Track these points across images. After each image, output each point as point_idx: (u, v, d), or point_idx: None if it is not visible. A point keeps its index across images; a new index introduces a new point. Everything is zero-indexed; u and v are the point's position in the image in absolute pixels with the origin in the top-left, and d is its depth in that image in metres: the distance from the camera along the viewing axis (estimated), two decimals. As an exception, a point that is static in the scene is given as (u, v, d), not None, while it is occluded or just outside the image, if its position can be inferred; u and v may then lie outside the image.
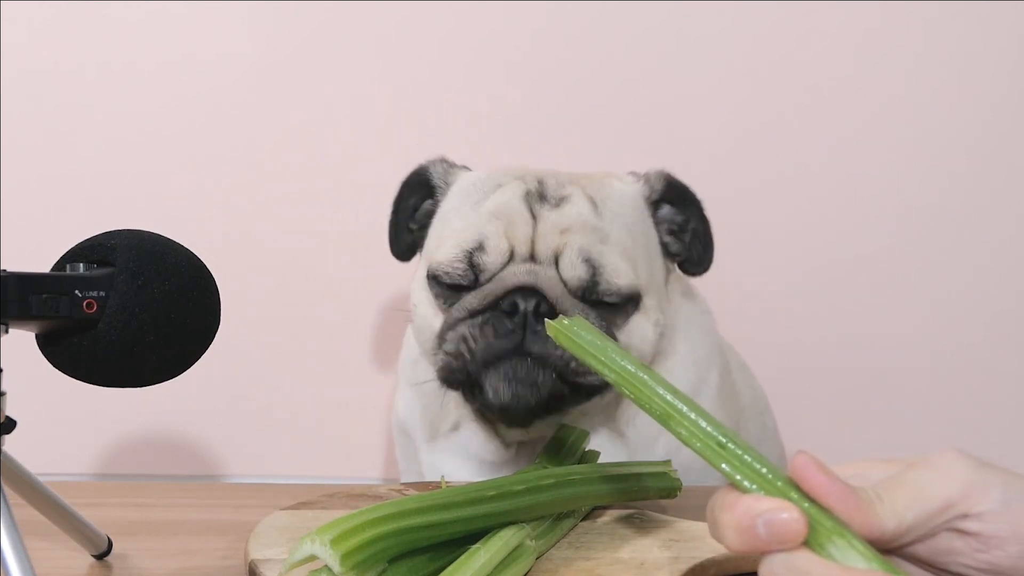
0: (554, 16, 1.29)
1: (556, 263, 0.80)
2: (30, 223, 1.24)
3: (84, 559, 0.68)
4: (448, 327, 0.80)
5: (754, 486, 0.45)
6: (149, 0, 1.26)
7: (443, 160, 0.91)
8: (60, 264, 0.57)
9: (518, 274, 0.79)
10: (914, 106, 1.30)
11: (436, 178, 0.90)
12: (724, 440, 0.46)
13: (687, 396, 0.49)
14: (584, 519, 0.71)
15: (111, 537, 0.68)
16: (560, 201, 0.82)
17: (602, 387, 0.79)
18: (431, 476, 0.91)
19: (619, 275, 0.80)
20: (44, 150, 1.27)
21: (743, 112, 1.30)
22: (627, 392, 0.50)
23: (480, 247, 0.80)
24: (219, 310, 0.60)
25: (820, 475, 0.43)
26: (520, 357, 0.76)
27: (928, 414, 1.32)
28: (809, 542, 0.43)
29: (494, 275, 0.80)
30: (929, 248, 1.32)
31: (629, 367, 0.50)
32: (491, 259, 0.80)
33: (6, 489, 0.54)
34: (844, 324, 1.33)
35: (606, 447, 0.85)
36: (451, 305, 0.81)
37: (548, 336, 0.68)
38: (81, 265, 0.56)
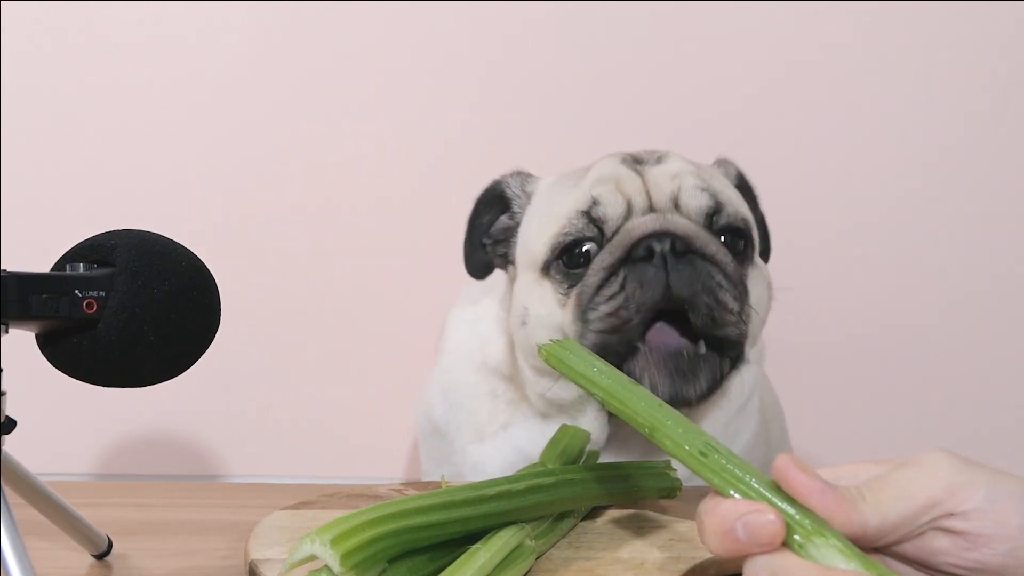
0: (550, 15, 1.29)
1: (676, 207, 0.78)
2: (30, 223, 1.24)
3: (84, 559, 0.68)
4: (587, 301, 0.76)
5: (735, 492, 0.46)
6: (151, 0, 1.26)
7: (518, 172, 0.89)
8: (60, 264, 0.57)
9: (645, 222, 0.77)
10: (915, 105, 1.30)
11: (512, 190, 0.87)
12: (706, 449, 0.48)
13: (671, 408, 0.51)
14: (584, 519, 0.71)
15: (111, 537, 0.68)
16: (659, 159, 0.82)
17: (738, 353, 0.78)
18: (474, 476, 0.90)
19: (738, 204, 0.80)
20: (44, 150, 1.27)
21: (742, 110, 1.30)
22: (614, 408, 0.52)
23: (595, 203, 0.78)
24: (219, 310, 0.60)
25: (800, 475, 0.44)
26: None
27: (928, 414, 1.33)
28: (789, 543, 0.43)
29: (618, 229, 0.78)
30: (929, 247, 1.32)
31: (614, 383, 0.53)
32: (610, 211, 0.78)
33: (6, 489, 0.54)
34: (843, 324, 1.33)
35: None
36: (574, 286, 0.78)
37: (692, 275, 0.72)
38: (81, 265, 0.56)
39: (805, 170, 1.31)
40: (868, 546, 0.45)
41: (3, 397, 0.55)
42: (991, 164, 1.31)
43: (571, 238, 0.78)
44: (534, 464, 0.73)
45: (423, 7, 1.28)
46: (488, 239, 0.89)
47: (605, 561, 0.64)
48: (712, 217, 0.78)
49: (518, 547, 0.60)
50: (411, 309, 1.30)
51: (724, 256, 0.76)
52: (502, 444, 0.89)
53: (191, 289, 0.58)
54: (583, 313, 0.76)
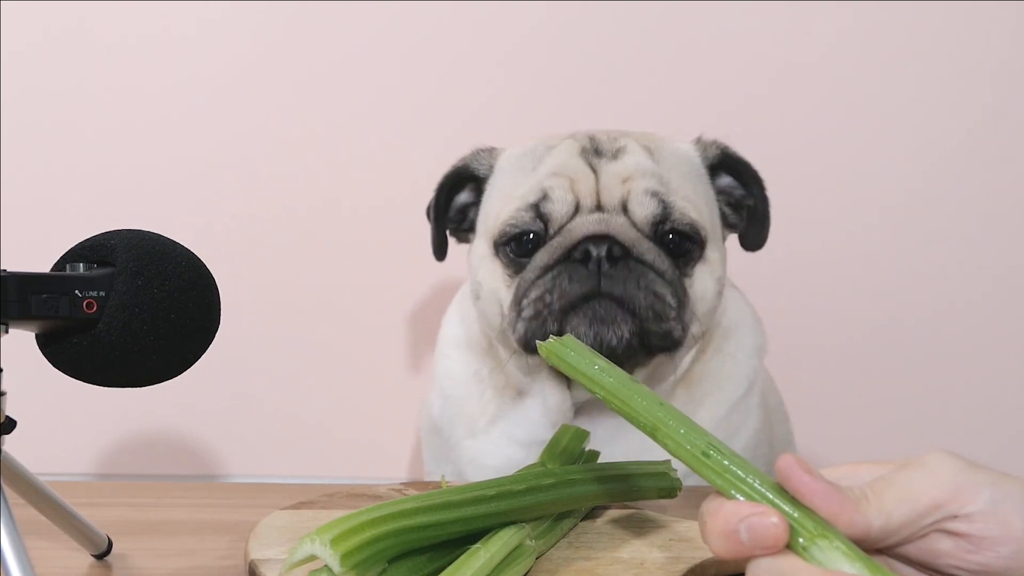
0: (552, 17, 1.29)
1: (624, 210, 0.80)
2: (30, 223, 1.24)
3: (84, 559, 0.68)
4: (523, 292, 0.80)
5: (738, 493, 0.45)
6: (153, 0, 1.26)
7: (479, 149, 0.91)
8: (60, 264, 0.57)
9: (587, 223, 0.79)
10: (917, 106, 1.30)
11: (476, 165, 0.90)
12: (708, 450, 0.47)
13: (672, 408, 0.50)
14: (584, 519, 0.71)
15: (111, 537, 0.68)
16: (617, 152, 0.83)
17: (676, 343, 0.79)
18: (472, 472, 0.90)
19: (687, 209, 0.81)
20: (44, 150, 1.27)
21: (744, 108, 1.30)
22: (615, 407, 0.51)
23: (545, 197, 0.81)
24: (219, 310, 0.60)
25: (804, 475, 0.44)
26: (599, 299, 0.76)
27: (932, 416, 1.33)
28: (793, 545, 0.43)
29: (562, 228, 0.80)
30: (932, 247, 1.32)
31: (615, 382, 0.52)
32: (557, 208, 0.80)
33: (6, 489, 0.54)
34: (847, 325, 1.33)
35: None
36: (518, 273, 0.81)
37: (627, 277, 0.73)
38: (81, 265, 0.56)
39: (808, 170, 1.31)
40: (871, 548, 0.45)
41: (3, 397, 0.55)
42: (993, 164, 1.31)
43: (517, 230, 0.81)
44: (534, 464, 0.73)
45: (424, 8, 1.28)
46: (452, 220, 0.92)
47: (605, 561, 0.64)
48: (659, 225, 0.80)
49: (518, 547, 0.60)
50: (412, 310, 1.30)
51: (662, 263, 0.79)
52: (496, 437, 0.90)
53: (191, 289, 0.58)
54: (518, 302, 0.80)
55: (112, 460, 1.30)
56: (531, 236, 0.81)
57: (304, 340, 1.30)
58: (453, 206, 0.92)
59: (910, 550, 0.46)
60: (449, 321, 0.99)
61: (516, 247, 0.82)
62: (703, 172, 0.88)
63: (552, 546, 0.66)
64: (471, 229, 0.91)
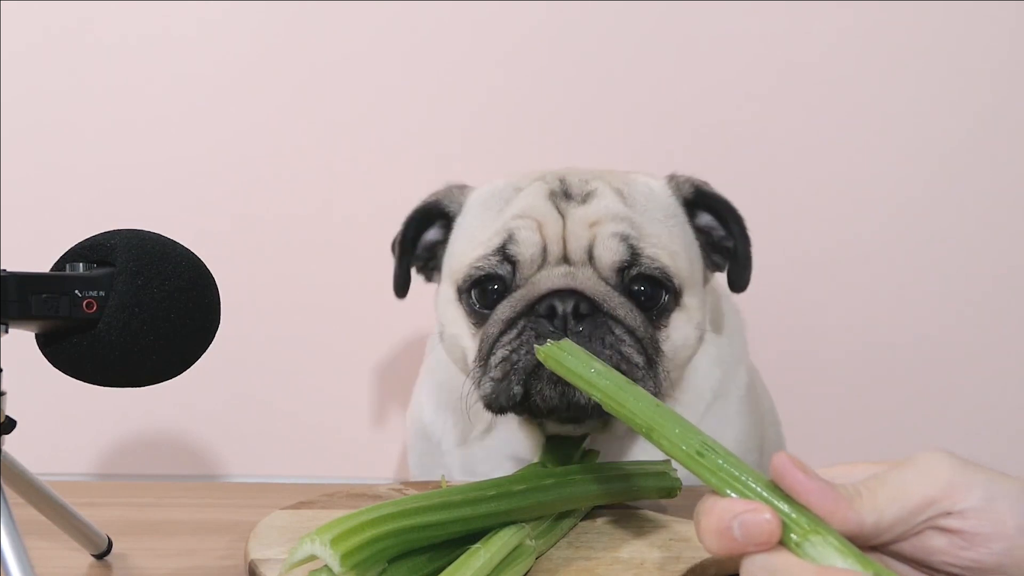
0: (552, 20, 1.29)
1: (591, 259, 0.77)
2: (30, 223, 1.24)
3: (84, 559, 0.68)
4: (488, 349, 0.76)
5: (732, 491, 0.46)
6: (152, 0, 1.26)
7: (452, 185, 0.89)
8: (60, 264, 0.57)
9: (553, 277, 0.76)
10: (916, 110, 1.30)
11: (447, 202, 0.87)
12: (703, 449, 0.48)
13: (668, 409, 0.51)
14: (584, 519, 0.71)
15: (111, 537, 0.68)
16: (586, 197, 0.80)
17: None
18: (462, 478, 0.90)
19: (657, 255, 0.77)
20: (44, 150, 1.27)
21: (743, 109, 1.30)
22: (612, 409, 0.52)
23: (511, 239, 0.78)
24: (219, 310, 0.60)
25: (799, 473, 0.44)
26: None
27: (927, 416, 1.32)
28: (786, 541, 0.44)
29: (527, 279, 0.77)
30: (929, 245, 1.32)
31: (613, 385, 0.53)
32: (524, 250, 0.77)
33: (6, 489, 0.54)
34: (841, 323, 1.33)
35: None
36: (480, 324, 0.79)
37: (592, 334, 0.70)
38: (81, 265, 0.56)
39: (808, 171, 1.31)
40: (865, 544, 0.45)
41: (3, 397, 0.55)
42: (993, 165, 1.31)
43: (482, 272, 0.78)
44: (534, 464, 0.73)
45: (424, 8, 1.28)
46: (419, 258, 0.89)
47: (605, 561, 0.64)
48: (625, 271, 0.77)
49: (518, 547, 0.60)
50: (413, 310, 1.30)
51: (633, 319, 0.75)
52: (489, 446, 0.89)
53: (191, 289, 0.58)
54: (485, 359, 0.76)
55: (112, 460, 1.30)
56: (496, 284, 0.78)
57: (304, 340, 1.30)
58: (421, 243, 0.89)
59: (904, 547, 0.46)
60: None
61: (480, 296, 0.79)
62: (679, 212, 0.84)
63: (552, 546, 0.66)
64: (437, 268, 0.89)
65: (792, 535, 0.44)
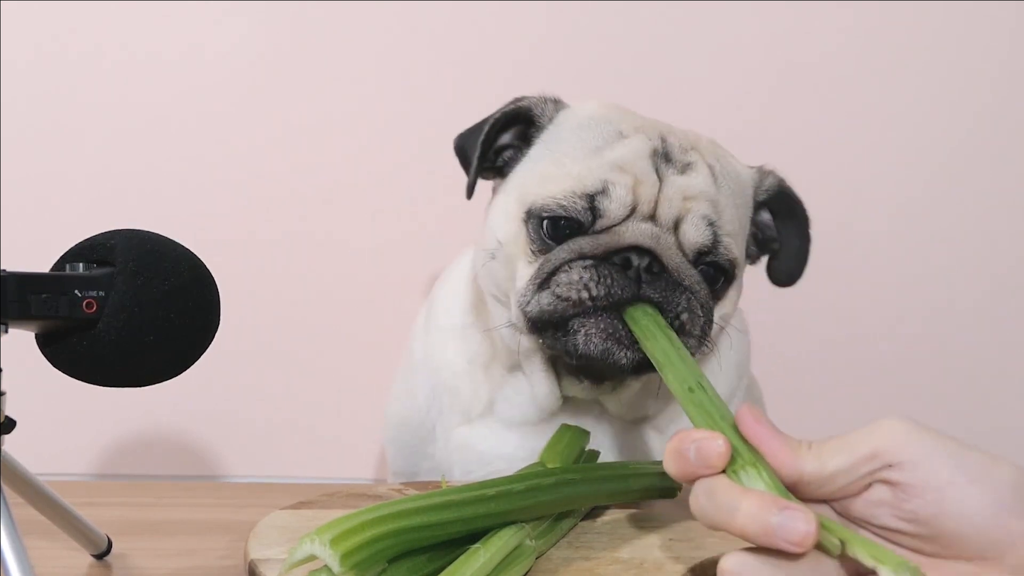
0: (554, 18, 1.29)
1: (676, 229, 0.77)
2: (30, 223, 1.24)
3: (84, 559, 0.68)
4: (552, 268, 0.75)
5: (704, 425, 0.53)
6: (153, 0, 1.26)
7: (545, 96, 0.85)
8: (60, 264, 0.57)
9: (639, 232, 0.75)
10: (918, 108, 1.30)
11: (538, 112, 0.84)
12: (695, 387, 0.56)
13: (683, 348, 0.63)
14: (584, 519, 0.72)
15: (111, 537, 0.68)
16: (685, 168, 0.79)
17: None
18: (460, 457, 0.89)
19: (732, 244, 0.79)
20: (44, 149, 1.27)
21: (743, 109, 1.30)
22: (637, 333, 0.68)
23: (604, 192, 0.76)
24: (219, 310, 0.60)
25: (755, 422, 0.50)
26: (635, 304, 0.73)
27: (927, 413, 1.32)
28: (728, 472, 0.49)
29: (611, 227, 0.76)
30: (929, 245, 1.32)
31: (648, 320, 0.69)
32: (614, 207, 0.76)
33: (6, 489, 0.54)
34: (841, 323, 1.33)
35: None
36: (544, 252, 0.77)
37: (666, 287, 0.74)
38: (81, 265, 0.56)
39: (808, 171, 1.30)
40: (813, 495, 0.49)
41: (3, 397, 0.55)
42: (993, 165, 1.31)
43: (563, 213, 0.77)
44: (534, 464, 0.73)
45: (424, 8, 1.28)
46: (491, 160, 0.86)
47: (605, 561, 0.64)
48: (704, 255, 0.78)
49: (518, 547, 0.60)
50: (412, 310, 1.30)
51: (698, 287, 0.76)
52: (492, 422, 0.88)
53: (191, 289, 0.58)
54: (541, 284, 0.76)
55: (112, 460, 1.30)
56: (571, 224, 0.77)
57: (304, 340, 1.30)
58: (502, 139, 0.86)
59: (856, 504, 0.49)
60: (437, 311, 0.95)
61: (551, 227, 0.77)
62: (750, 204, 0.85)
63: (552, 546, 0.66)
64: (500, 173, 0.86)
65: (734, 467, 0.49)
